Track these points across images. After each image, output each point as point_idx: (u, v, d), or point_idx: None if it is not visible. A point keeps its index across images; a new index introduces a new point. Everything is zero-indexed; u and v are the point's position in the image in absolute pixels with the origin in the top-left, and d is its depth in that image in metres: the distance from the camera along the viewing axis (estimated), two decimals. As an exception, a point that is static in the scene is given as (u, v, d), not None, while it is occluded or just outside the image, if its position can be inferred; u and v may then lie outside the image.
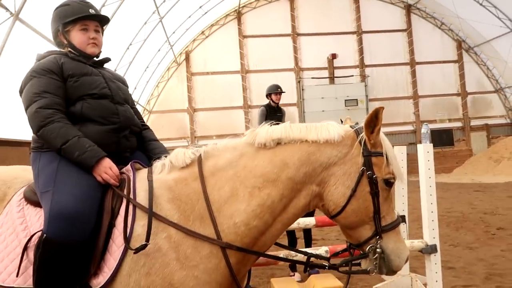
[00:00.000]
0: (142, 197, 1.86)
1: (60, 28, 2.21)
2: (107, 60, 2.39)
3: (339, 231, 7.81)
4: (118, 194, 1.90)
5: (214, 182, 1.87)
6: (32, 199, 2.03)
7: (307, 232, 5.05)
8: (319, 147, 1.88)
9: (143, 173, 2.00)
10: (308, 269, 2.14)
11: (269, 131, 1.92)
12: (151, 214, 1.78)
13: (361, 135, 1.90)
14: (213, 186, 1.86)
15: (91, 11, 2.22)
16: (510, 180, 15.46)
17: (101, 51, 2.33)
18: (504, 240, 6.28)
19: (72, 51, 2.22)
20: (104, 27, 2.36)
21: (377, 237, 1.85)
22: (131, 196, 1.86)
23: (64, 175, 1.92)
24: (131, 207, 1.83)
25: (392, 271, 1.91)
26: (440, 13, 22.30)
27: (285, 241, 6.00)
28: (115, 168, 1.96)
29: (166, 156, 2.05)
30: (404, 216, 4.15)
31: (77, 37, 2.21)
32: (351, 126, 1.99)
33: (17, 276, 1.81)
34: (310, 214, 4.87)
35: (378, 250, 1.85)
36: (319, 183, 1.88)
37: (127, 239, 1.74)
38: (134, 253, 1.69)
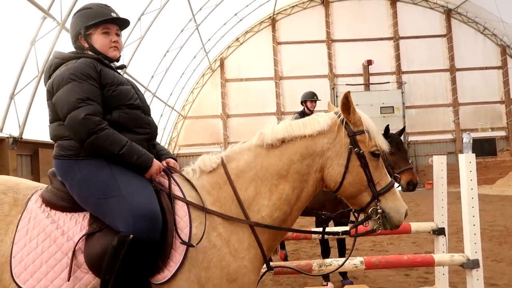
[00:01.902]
0: (192, 199, 2.10)
1: (82, 31, 2.20)
2: (123, 67, 2.45)
3: (373, 242, 7.64)
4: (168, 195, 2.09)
5: (241, 184, 2.17)
6: (57, 204, 2.06)
7: (340, 242, 4.97)
8: (314, 139, 2.20)
9: (179, 178, 2.22)
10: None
11: (273, 132, 2.25)
12: (205, 211, 2.04)
13: (340, 118, 2.23)
14: (240, 187, 2.16)
15: (113, 14, 2.23)
16: (559, 193, 14.57)
17: (120, 55, 2.32)
18: (552, 257, 5.93)
19: (107, 57, 2.22)
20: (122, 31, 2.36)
21: (375, 200, 2.16)
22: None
23: (125, 179, 2.02)
24: (185, 207, 2.06)
25: (395, 226, 2.18)
26: (483, 18, 21.41)
27: (318, 250, 5.92)
28: (161, 167, 2.17)
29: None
30: (443, 228, 4.00)
31: (99, 40, 2.21)
32: (335, 113, 2.32)
33: (68, 280, 1.87)
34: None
35: (379, 210, 2.15)
36: (320, 170, 2.20)
37: (188, 236, 1.97)
38: (188, 246, 1.94)
